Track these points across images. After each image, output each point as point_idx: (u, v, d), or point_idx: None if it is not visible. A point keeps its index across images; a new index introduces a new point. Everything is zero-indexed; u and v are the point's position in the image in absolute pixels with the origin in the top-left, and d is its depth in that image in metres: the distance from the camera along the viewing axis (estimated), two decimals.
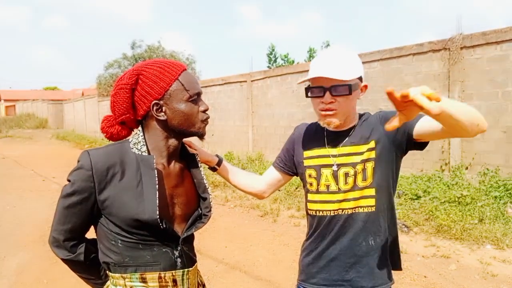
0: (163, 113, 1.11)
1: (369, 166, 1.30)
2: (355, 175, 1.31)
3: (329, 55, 1.31)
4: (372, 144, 1.30)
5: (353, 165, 1.31)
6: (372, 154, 1.30)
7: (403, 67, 6.64)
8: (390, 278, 1.37)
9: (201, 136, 1.19)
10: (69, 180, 1.10)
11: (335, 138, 1.36)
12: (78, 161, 1.10)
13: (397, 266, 1.42)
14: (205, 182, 1.25)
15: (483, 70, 5.70)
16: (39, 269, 3.67)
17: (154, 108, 1.11)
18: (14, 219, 5.47)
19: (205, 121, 1.18)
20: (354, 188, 1.31)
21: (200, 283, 1.33)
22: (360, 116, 1.39)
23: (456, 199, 5.15)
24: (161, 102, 1.10)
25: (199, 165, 1.26)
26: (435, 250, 4.01)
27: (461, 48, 5.88)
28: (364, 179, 1.31)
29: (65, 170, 1.14)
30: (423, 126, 1.20)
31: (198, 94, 1.15)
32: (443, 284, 3.27)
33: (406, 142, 1.28)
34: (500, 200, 5.09)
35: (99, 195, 1.07)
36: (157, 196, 1.08)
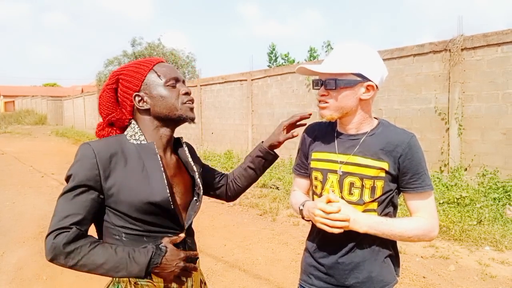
0: (145, 103, 1.17)
1: (379, 184, 1.27)
2: (362, 188, 1.28)
3: (335, 49, 1.32)
4: (385, 165, 1.26)
5: (361, 177, 1.27)
6: (382, 173, 1.26)
7: (404, 67, 6.65)
8: (390, 279, 1.36)
9: (187, 119, 1.21)
10: (69, 176, 1.07)
11: (346, 144, 1.32)
12: (77, 154, 1.09)
13: (396, 271, 1.39)
14: (192, 164, 1.27)
15: (484, 71, 5.71)
16: (39, 265, 3.66)
17: (136, 99, 1.18)
18: (13, 215, 5.46)
19: (187, 103, 1.19)
20: (359, 202, 1.28)
21: (202, 281, 1.33)
22: (378, 123, 1.34)
23: (455, 200, 5.16)
24: (141, 93, 1.17)
25: (187, 154, 1.28)
26: (434, 251, 4.02)
27: (462, 49, 5.89)
28: (372, 196, 1.27)
29: (64, 167, 1.12)
30: (408, 200, 1.32)
31: (176, 79, 1.19)
32: (442, 285, 3.28)
33: (398, 187, 1.32)
34: (499, 201, 5.10)
35: (104, 182, 1.07)
36: (165, 177, 1.12)
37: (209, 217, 5.29)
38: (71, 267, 1.02)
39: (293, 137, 1.42)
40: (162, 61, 1.23)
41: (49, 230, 1.02)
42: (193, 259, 1.19)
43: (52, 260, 1.01)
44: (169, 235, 1.14)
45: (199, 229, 4.76)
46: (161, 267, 1.05)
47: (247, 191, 6.91)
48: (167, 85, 1.17)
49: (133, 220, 1.10)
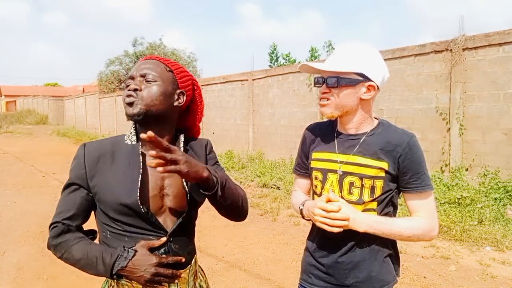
0: None
1: (379, 184, 1.27)
2: (361, 188, 1.28)
3: (339, 48, 1.32)
4: (384, 165, 1.26)
5: (361, 176, 1.28)
6: (382, 173, 1.26)
7: (405, 67, 6.64)
8: (390, 279, 1.36)
9: (129, 118, 1.14)
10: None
11: (346, 144, 1.33)
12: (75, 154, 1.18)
13: (396, 271, 1.40)
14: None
15: (485, 71, 5.70)
16: (40, 265, 3.67)
17: None
18: (14, 214, 5.47)
19: (125, 99, 1.13)
20: (359, 201, 1.29)
21: (199, 287, 1.26)
22: (378, 123, 1.34)
23: (456, 200, 5.16)
24: None
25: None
26: (435, 251, 4.01)
27: (463, 49, 5.88)
28: (372, 195, 1.28)
29: (65, 166, 1.16)
30: (408, 200, 1.31)
31: (131, 77, 1.17)
32: (442, 285, 3.27)
33: (398, 187, 1.31)
34: (500, 201, 5.09)
35: (90, 181, 1.13)
36: (140, 179, 1.10)
37: (210, 217, 5.29)
38: (60, 258, 1.11)
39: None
40: (144, 59, 1.22)
41: (50, 223, 1.14)
42: (177, 265, 1.13)
43: (48, 249, 1.13)
44: (150, 237, 1.11)
45: (199, 229, 4.75)
46: (127, 270, 1.04)
47: (248, 191, 6.92)
48: (125, 87, 1.18)
49: (113, 220, 1.12)
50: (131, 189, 1.09)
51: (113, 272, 1.04)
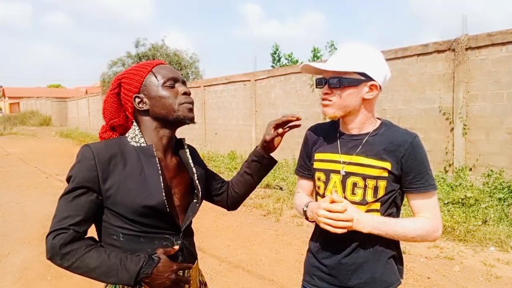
0: (144, 104, 1.19)
1: (382, 184, 1.26)
2: (364, 188, 1.27)
3: (340, 48, 1.32)
4: (387, 165, 1.25)
5: (364, 177, 1.27)
6: (385, 173, 1.26)
7: (408, 67, 6.62)
8: (394, 280, 1.35)
9: (185, 120, 1.19)
10: (69, 177, 1.09)
11: (349, 144, 1.32)
12: (78, 156, 1.11)
13: (399, 272, 1.39)
14: (191, 166, 1.27)
15: (488, 71, 5.67)
16: (43, 266, 3.68)
17: (136, 101, 1.19)
18: (18, 215, 5.50)
19: (184, 104, 1.18)
20: (362, 202, 1.28)
21: (201, 282, 1.32)
22: (381, 123, 1.34)
23: (460, 201, 5.14)
24: (140, 94, 1.19)
25: (188, 155, 1.29)
26: (439, 251, 4.00)
27: (466, 49, 5.86)
28: (375, 196, 1.27)
29: (68, 167, 1.15)
30: (411, 200, 1.31)
31: (175, 79, 1.20)
32: (446, 286, 3.26)
33: (401, 187, 1.31)
34: (504, 202, 5.07)
35: (103, 184, 1.08)
36: (161, 180, 1.12)
37: (212, 218, 5.30)
38: (67, 268, 1.04)
39: (278, 135, 1.37)
40: (162, 63, 1.24)
41: (49, 230, 1.04)
42: (189, 262, 1.20)
43: (50, 259, 1.04)
44: (165, 235, 1.15)
45: (202, 229, 4.77)
46: (152, 277, 1.04)
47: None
48: (165, 86, 1.18)
49: (130, 221, 1.11)
50: (154, 191, 1.10)
51: (138, 279, 1.03)
